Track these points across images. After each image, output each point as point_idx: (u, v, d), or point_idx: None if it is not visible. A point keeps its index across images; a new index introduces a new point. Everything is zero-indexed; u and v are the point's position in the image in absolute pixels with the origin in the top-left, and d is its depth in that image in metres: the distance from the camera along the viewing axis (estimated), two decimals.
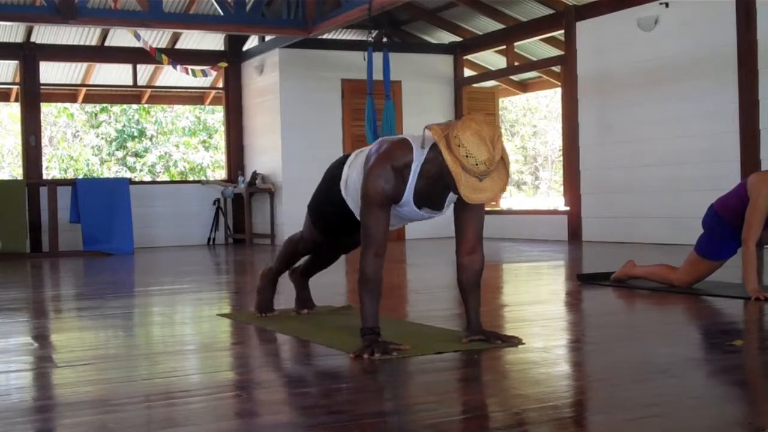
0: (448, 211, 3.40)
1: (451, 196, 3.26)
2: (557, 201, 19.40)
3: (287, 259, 4.04)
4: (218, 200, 12.11)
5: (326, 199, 3.60)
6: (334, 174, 3.60)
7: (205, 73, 11.47)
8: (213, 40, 12.33)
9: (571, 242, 10.15)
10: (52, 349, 3.59)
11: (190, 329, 4.26)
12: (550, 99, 24.87)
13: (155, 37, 12.03)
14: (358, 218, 3.35)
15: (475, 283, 3.33)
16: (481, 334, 3.27)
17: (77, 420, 2.33)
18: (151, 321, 4.59)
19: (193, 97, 14.35)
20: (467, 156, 2.90)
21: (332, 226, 3.65)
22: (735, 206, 4.64)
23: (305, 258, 4.09)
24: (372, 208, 3.15)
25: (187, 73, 11.20)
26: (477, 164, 2.91)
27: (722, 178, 8.09)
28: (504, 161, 2.99)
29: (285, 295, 4.92)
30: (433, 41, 12.67)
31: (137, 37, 10.47)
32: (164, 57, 10.84)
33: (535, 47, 11.96)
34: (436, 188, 3.19)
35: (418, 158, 3.14)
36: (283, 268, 4.10)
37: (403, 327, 3.71)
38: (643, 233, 9.37)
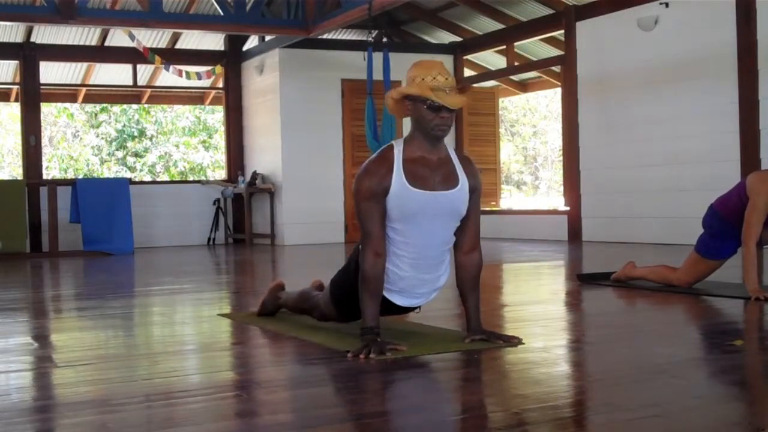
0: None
1: (447, 176, 3.23)
2: (557, 201, 19.39)
3: (296, 310, 3.91)
4: (218, 200, 12.11)
5: (350, 282, 3.35)
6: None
7: (199, 76, 11.47)
8: (213, 40, 12.33)
9: (571, 242, 10.15)
10: (52, 349, 3.59)
11: (190, 329, 4.26)
12: (550, 99, 24.88)
13: (155, 37, 12.04)
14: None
15: (473, 282, 3.33)
16: (482, 334, 3.27)
17: (77, 420, 2.33)
18: (151, 321, 4.59)
19: (193, 97, 14.36)
20: (423, 79, 3.13)
21: (351, 308, 3.41)
22: (735, 205, 4.64)
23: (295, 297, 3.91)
24: (361, 203, 3.19)
25: (181, 75, 11.21)
26: (434, 78, 3.14)
27: (722, 178, 8.08)
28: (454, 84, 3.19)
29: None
30: (433, 41, 12.67)
31: (131, 37, 10.47)
32: (157, 58, 10.84)
33: (535, 47, 11.96)
34: (427, 162, 3.22)
35: (399, 144, 3.25)
36: (289, 308, 3.98)
37: (403, 327, 3.71)
38: (643, 233, 9.37)
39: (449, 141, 12.30)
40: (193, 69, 11.53)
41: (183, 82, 12.54)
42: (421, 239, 3.23)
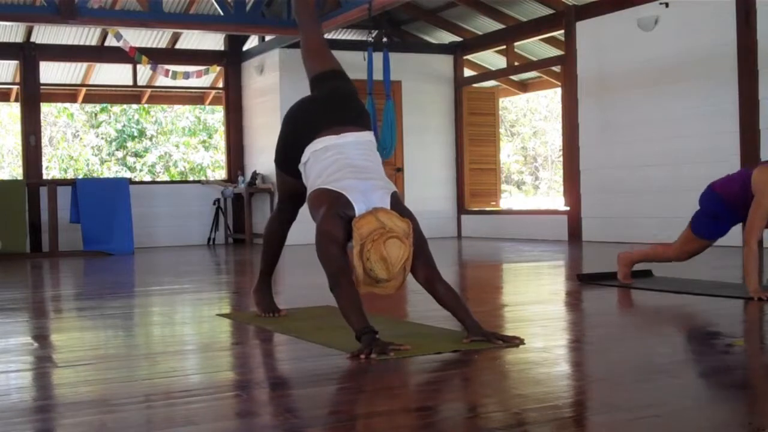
0: None
1: None
2: (557, 201, 19.40)
3: (270, 246, 4.13)
4: (218, 200, 12.11)
5: (291, 154, 3.72)
6: (293, 148, 3.70)
7: (186, 76, 11.43)
8: (213, 40, 12.33)
9: (571, 242, 10.15)
10: (52, 349, 3.59)
11: (190, 329, 4.26)
12: (550, 99, 24.88)
13: (155, 37, 12.04)
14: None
15: (453, 300, 3.37)
16: (482, 335, 3.27)
17: (77, 420, 2.33)
18: (151, 321, 4.59)
19: (193, 97, 14.35)
20: (370, 270, 3.17)
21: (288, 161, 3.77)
22: (737, 194, 4.62)
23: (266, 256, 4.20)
24: (328, 247, 3.28)
25: (167, 75, 11.18)
26: (377, 279, 3.20)
27: None
28: (405, 269, 3.22)
29: (285, 294, 4.93)
30: (433, 41, 12.67)
31: (117, 37, 10.45)
32: (144, 58, 10.84)
33: (535, 47, 11.96)
34: None
35: (359, 210, 3.31)
36: (268, 260, 4.18)
37: (403, 327, 3.71)
38: (643, 233, 9.36)
39: (449, 141, 12.31)
40: (181, 69, 11.48)
41: (183, 81, 12.54)
42: None
